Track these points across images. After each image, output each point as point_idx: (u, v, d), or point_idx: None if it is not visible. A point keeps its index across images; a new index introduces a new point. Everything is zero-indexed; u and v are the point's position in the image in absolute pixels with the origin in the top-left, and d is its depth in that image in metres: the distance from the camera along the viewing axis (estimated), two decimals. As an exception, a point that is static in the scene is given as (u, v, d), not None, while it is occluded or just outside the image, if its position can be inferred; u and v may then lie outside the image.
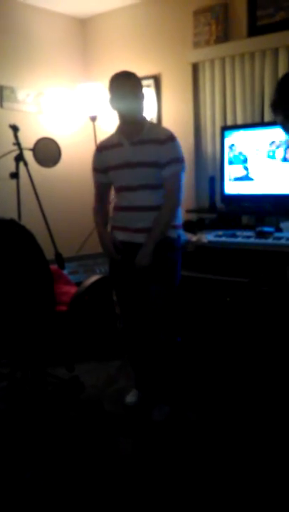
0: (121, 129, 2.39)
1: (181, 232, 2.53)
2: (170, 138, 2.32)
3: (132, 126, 2.34)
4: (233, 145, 3.17)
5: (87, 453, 2.23)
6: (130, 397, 2.69)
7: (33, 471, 2.13)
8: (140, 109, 2.33)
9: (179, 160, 2.33)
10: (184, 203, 3.60)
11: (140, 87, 2.31)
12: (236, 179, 3.19)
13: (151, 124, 2.44)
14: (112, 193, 2.57)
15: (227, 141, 3.19)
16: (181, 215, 2.53)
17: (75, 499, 1.96)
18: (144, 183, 2.35)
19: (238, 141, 3.14)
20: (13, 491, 2.02)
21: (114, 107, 2.32)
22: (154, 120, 3.85)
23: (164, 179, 2.33)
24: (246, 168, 3.13)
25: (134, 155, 2.33)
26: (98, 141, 2.55)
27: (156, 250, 2.34)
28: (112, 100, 2.31)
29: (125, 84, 2.27)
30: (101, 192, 2.56)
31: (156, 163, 2.31)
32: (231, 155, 3.18)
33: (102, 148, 2.45)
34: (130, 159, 2.33)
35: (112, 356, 3.22)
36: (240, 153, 3.14)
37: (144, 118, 2.38)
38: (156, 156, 2.30)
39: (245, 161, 3.13)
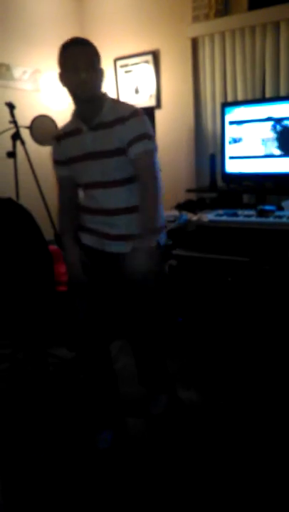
0: (77, 111, 1.93)
1: (163, 236, 2.03)
2: (134, 113, 1.84)
3: (88, 106, 1.87)
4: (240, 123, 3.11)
5: (89, 432, 2.23)
6: (102, 443, 2.16)
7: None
8: (96, 83, 1.85)
9: (146, 136, 1.83)
10: (183, 182, 3.61)
11: (97, 57, 1.85)
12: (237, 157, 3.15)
13: (113, 101, 1.94)
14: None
15: (227, 118, 3.13)
16: (163, 214, 2.00)
17: (76, 479, 1.97)
18: (112, 179, 1.89)
19: (239, 117, 3.09)
20: (15, 471, 2.03)
21: (64, 83, 1.86)
22: (153, 97, 3.78)
23: (133, 162, 1.84)
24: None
25: (96, 143, 1.87)
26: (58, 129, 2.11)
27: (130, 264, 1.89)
28: (61, 74, 1.85)
29: (77, 52, 1.81)
30: (66, 189, 2.07)
31: (120, 149, 1.84)
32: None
33: (60, 137, 2.00)
34: (91, 148, 1.88)
35: (113, 336, 3.21)
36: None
37: (104, 95, 1.91)
38: (119, 139, 1.83)
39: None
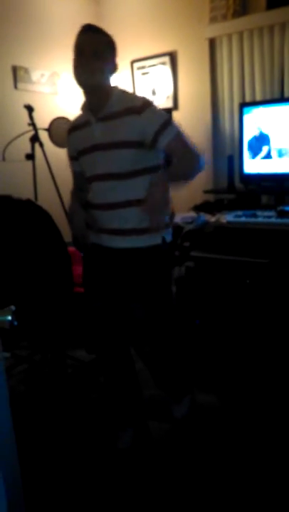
0: (86, 103, 1.88)
1: (168, 234, 1.97)
2: (147, 103, 1.79)
3: (95, 97, 1.81)
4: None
5: (108, 434, 2.22)
6: (122, 443, 2.16)
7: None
8: (102, 73, 1.77)
9: (169, 122, 1.80)
10: (201, 183, 3.58)
11: (107, 46, 1.77)
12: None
13: (121, 92, 1.86)
14: None
15: (246, 118, 3.11)
16: (169, 212, 1.98)
17: (95, 482, 1.97)
18: (123, 171, 1.82)
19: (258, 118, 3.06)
20: (34, 473, 2.03)
21: (73, 69, 1.80)
22: (170, 98, 3.77)
23: (166, 150, 1.81)
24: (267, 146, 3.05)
25: (105, 134, 1.81)
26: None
27: (135, 261, 1.90)
28: (73, 60, 1.79)
29: (85, 38, 1.75)
30: (80, 183, 2.06)
31: (138, 142, 1.79)
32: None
33: (71, 130, 1.97)
34: (100, 140, 1.82)
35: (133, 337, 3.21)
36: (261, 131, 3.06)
37: (112, 87, 1.84)
38: (136, 132, 1.77)
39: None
